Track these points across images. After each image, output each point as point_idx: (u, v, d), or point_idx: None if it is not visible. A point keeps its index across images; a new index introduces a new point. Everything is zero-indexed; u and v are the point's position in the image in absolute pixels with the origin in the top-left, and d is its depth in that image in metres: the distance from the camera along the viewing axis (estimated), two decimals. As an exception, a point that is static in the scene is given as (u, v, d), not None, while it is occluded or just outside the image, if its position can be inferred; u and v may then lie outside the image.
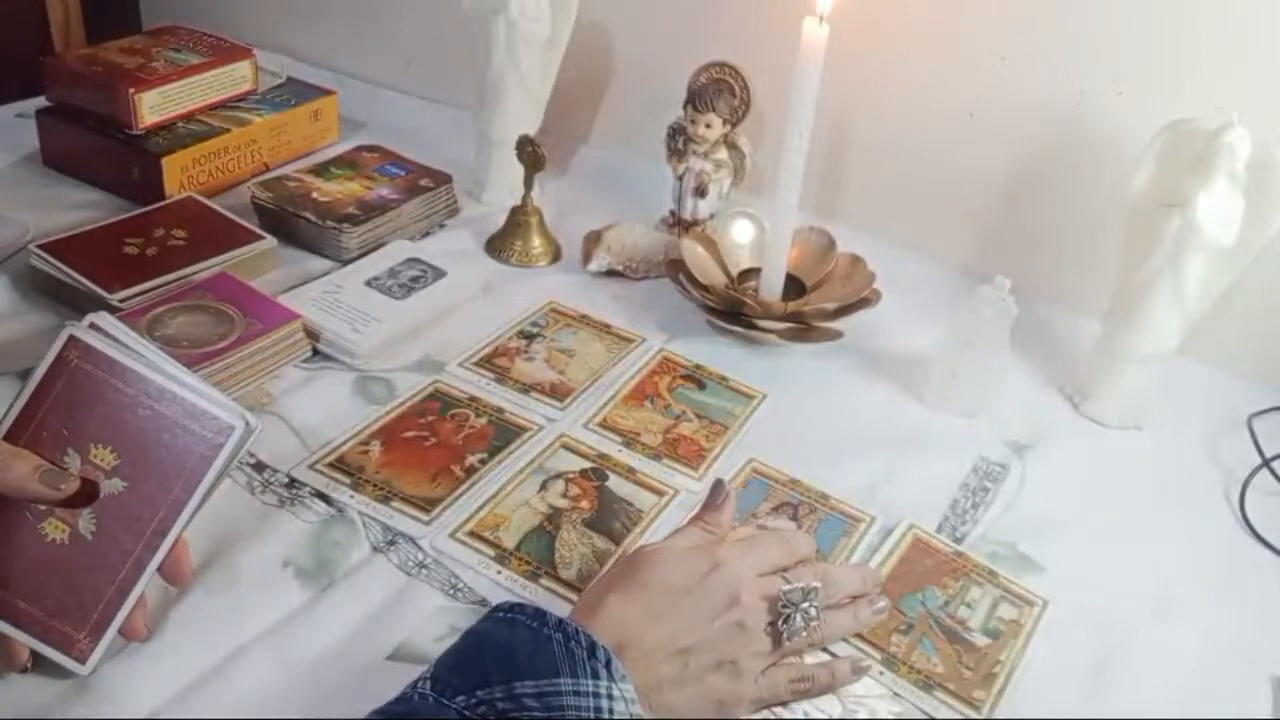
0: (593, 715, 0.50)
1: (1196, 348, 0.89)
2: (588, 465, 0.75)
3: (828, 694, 0.61)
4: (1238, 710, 0.64)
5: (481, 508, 0.71)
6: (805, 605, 0.59)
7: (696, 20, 1.08)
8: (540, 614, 0.53)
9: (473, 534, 0.68)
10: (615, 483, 0.74)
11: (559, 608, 0.63)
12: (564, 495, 0.73)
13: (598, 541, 0.69)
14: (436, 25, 1.22)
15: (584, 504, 0.72)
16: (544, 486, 0.73)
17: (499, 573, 0.66)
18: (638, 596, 0.57)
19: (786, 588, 0.60)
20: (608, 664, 0.52)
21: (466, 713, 0.49)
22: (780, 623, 0.59)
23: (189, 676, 0.57)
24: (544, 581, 0.66)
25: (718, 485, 0.66)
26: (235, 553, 0.65)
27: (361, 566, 0.66)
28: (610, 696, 0.51)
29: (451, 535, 0.68)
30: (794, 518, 0.74)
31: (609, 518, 0.71)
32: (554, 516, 0.71)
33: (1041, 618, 0.68)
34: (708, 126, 0.98)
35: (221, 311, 0.81)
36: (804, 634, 0.59)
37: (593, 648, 0.52)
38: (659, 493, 0.74)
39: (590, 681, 0.51)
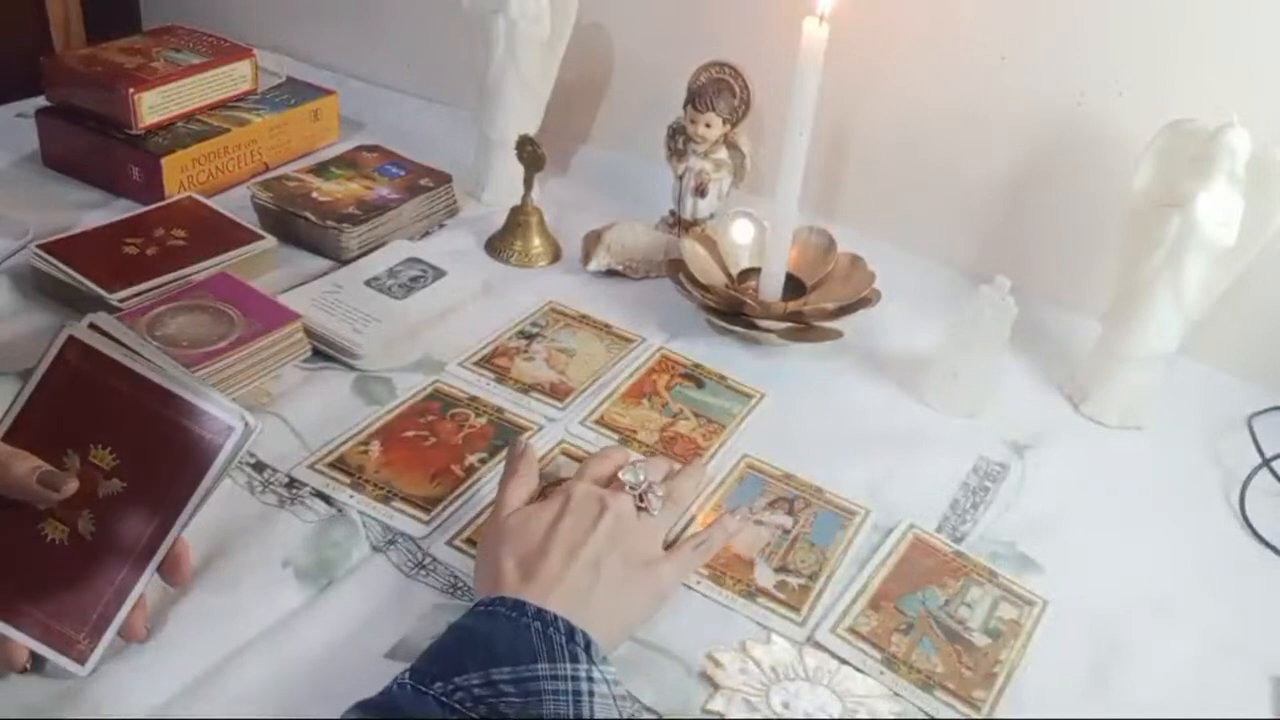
0: (571, 699, 0.50)
1: (1196, 348, 0.89)
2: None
3: (721, 546, 0.69)
4: (1238, 710, 0.64)
5: (480, 514, 0.70)
6: (649, 484, 0.67)
7: (696, 20, 1.08)
8: (519, 604, 0.55)
9: (470, 541, 0.68)
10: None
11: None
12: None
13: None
14: (436, 25, 1.22)
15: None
16: (543, 493, 0.73)
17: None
18: (523, 547, 0.61)
19: (625, 477, 0.67)
20: (587, 647, 0.53)
21: (443, 699, 0.49)
22: (639, 504, 0.66)
23: (189, 676, 0.57)
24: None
25: (512, 443, 0.71)
26: (235, 553, 0.65)
27: (361, 566, 0.66)
28: (590, 679, 0.52)
29: (449, 543, 0.68)
30: (790, 512, 0.74)
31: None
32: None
33: (1041, 618, 0.68)
34: (708, 126, 0.98)
35: (221, 311, 0.81)
36: (665, 504, 0.67)
37: (571, 632, 0.53)
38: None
39: (569, 665, 0.52)
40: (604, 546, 0.61)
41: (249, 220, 0.95)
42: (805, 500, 0.75)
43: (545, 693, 0.50)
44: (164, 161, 0.98)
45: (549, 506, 0.64)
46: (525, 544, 0.61)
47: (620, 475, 0.67)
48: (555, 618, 0.54)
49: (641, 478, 0.67)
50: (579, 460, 0.76)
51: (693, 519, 0.72)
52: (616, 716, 0.52)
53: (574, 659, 0.52)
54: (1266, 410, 0.89)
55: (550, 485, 0.73)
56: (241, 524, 0.67)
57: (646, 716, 0.58)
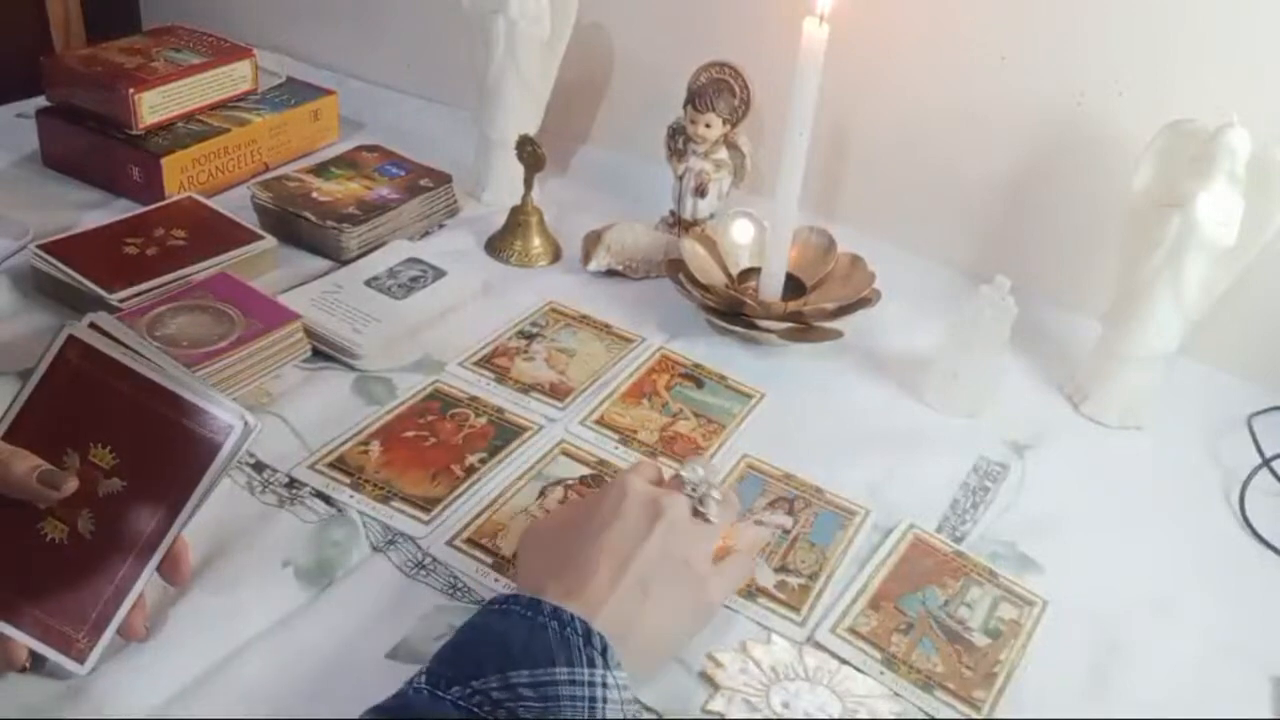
0: (587, 705, 0.50)
1: (1196, 348, 0.89)
2: (587, 472, 0.75)
3: (768, 540, 0.68)
4: (1238, 710, 0.64)
5: (480, 514, 0.70)
6: (708, 481, 0.63)
7: (696, 20, 1.08)
8: (535, 603, 0.53)
9: (471, 541, 0.68)
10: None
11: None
12: (563, 502, 0.73)
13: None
14: (436, 25, 1.22)
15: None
16: (543, 493, 0.73)
17: (497, 580, 0.66)
18: (568, 557, 0.58)
19: (686, 474, 0.63)
20: (604, 651, 0.52)
21: (461, 703, 0.48)
22: (699, 506, 0.62)
23: (188, 676, 0.57)
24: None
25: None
26: (235, 553, 0.65)
27: (361, 566, 0.66)
28: (605, 685, 0.51)
29: (449, 543, 0.68)
30: (790, 512, 0.74)
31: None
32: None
33: (1041, 618, 0.68)
34: (708, 126, 0.98)
35: (221, 311, 0.80)
36: (723, 505, 0.63)
37: (588, 634, 0.52)
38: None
39: (586, 670, 0.50)
40: (655, 561, 0.58)
41: (249, 220, 0.95)
42: (805, 500, 0.75)
43: (563, 697, 0.49)
44: (164, 161, 0.98)
45: (599, 507, 0.61)
46: (570, 554, 0.58)
47: (681, 472, 0.64)
48: (572, 617, 0.52)
49: (701, 474, 0.63)
50: (579, 460, 0.76)
51: None
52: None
53: (591, 663, 0.51)
54: (1266, 410, 0.89)
55: (550, 485, 0.73)
56: (241, 524, 0.67)
57: (646, 716, 0.58)
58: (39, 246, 0.85)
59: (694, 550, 0.60)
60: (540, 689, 0.49)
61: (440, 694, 0.49)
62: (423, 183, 1.03)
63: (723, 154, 1.01)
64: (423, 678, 0.50)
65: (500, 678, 0.49)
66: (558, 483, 0.74)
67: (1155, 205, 0.81)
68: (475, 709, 0.48)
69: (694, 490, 0.63)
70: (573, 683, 0.50)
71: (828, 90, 0.83)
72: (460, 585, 0.65)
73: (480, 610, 0.55)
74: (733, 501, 0.66)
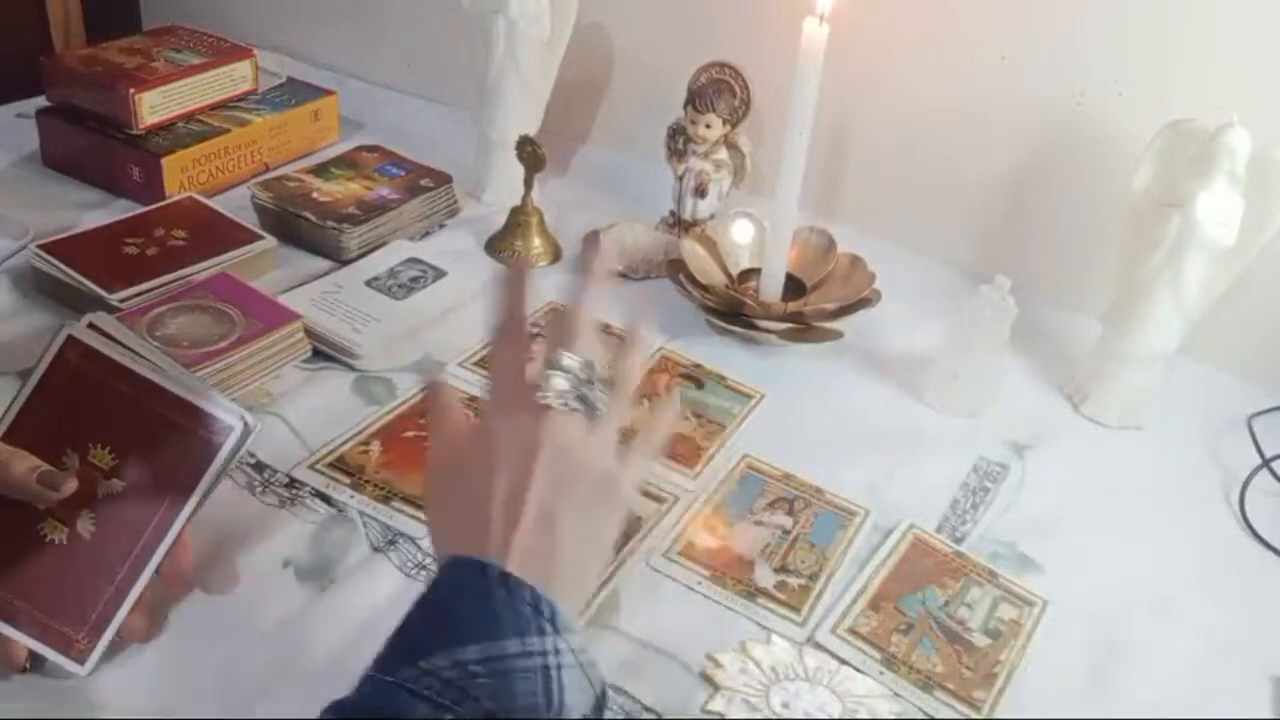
0: (540, 675, 0.47)
1: (1196, 348, 0.89)
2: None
3: (669, 433, 0.59)
4: (1238, 710, 0.64)
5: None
6: (588, 378, 0.54)
7: (696, 20, 1.08)
8: (482, 567, 0.49)
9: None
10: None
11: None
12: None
13: (597, 543, 0.69)
14: (436, 25, 1.22)
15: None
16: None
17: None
18: (464, 517, 0.53)
19: (558, 384, 0.54)
20: (553, 617, 0.49)
21: (409, 686, 0.46)
22: (581, 404, 0.54)
23: (188, 676, 0.57)
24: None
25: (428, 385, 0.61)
26: (235, 553, 0.65)
27: (361, 566, 0.66)
28: (558, 651, 0.48)
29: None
30: (790, 512, 0.74)
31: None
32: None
33: (1041, 618, 0.68)
34: (708, 126, 0.98)
35: (221, 311, 0.80)
36: (612, 392, 0.55)
37: (537, 602, 0.49)
38: (658, 499, 0.74)
39: (537, 639, 0.48)
40: (548, 495, 0.52)
41: (249, 220, 0.95)
42: (805, 500, 0.75)
43: (515, 670, 0.47)
44: (164, 161, 0.98)
45: (474, 453, 0.54)
46: (465, 513, 0.53)
47: (549, 376, 0.54)
48: (519, 584, 0.49)
49: (576, 365, 0.54)
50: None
51: (676, 501, 0.70)
52: (587, 686, 0.49)
53: (540, 631, 0.48)
54: (1266, 410, 0.89)
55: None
56: (241, 524, 0.67)
57: (646, 716, 0.58)
58: (39, 246, 0.85)
59: (591, 458, 0.54)
60: (490, 664, 0.46)
61: (390, 679, 0.46)
62: (423, 183, 1.03)
63: (723, 154, 1.01)
64: (374, 666, 0.48)
65: (448, 655, 0.46)
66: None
67: (1155, 205, 0.81)
68: (426, 692, 0.46)
69: (569, 390, 0.54)
70: (525, 654, 0.47)
71: (828, 90, 0.83)
72: (460, 585, 0.65)
73: (429, 582, 0.51)
74: (627, 381, 0.58)
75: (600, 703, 0.50)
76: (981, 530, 0.75)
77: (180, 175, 1.00)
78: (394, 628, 0.50)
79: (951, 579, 0.70)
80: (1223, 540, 0.78)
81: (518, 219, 1.00)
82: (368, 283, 0.90)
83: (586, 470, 0.54)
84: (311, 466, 0.72)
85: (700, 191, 1.01)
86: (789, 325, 0.89)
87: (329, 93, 1.16)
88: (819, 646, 0.64)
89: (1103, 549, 0.74)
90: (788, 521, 0.73)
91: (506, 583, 0.49)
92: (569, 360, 0.54)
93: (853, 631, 0.65)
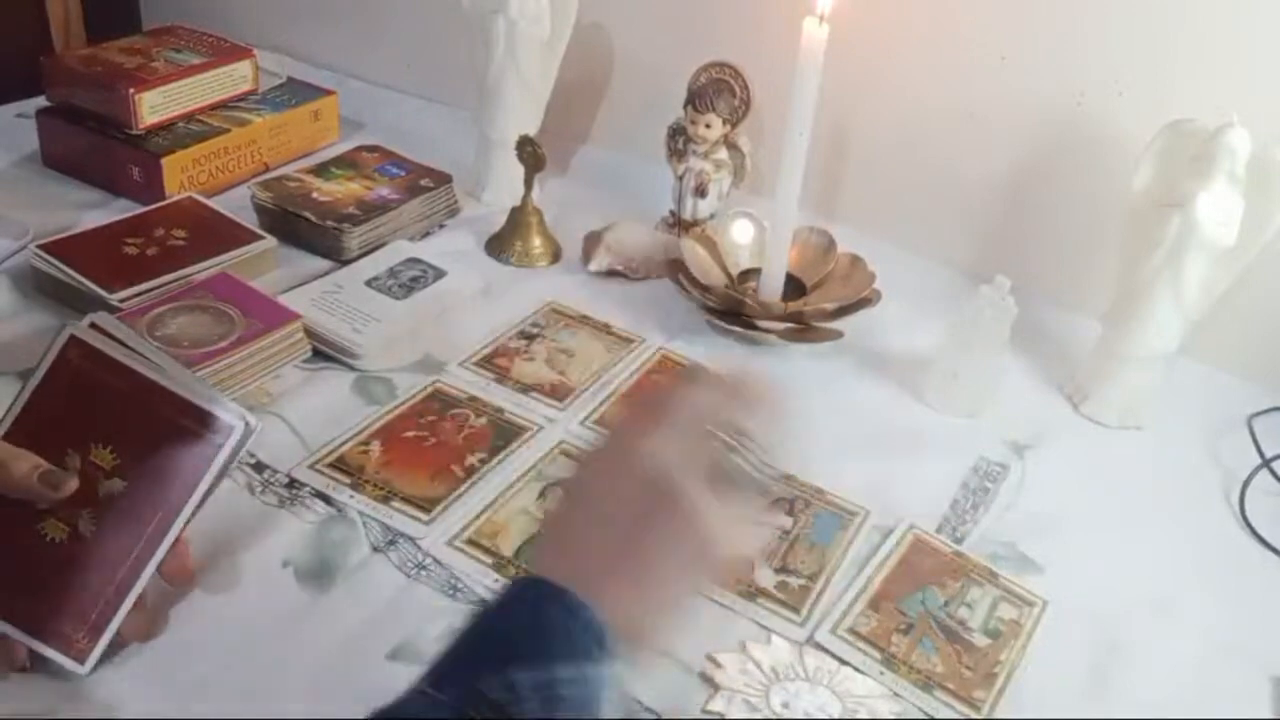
0: (582, 703, 0.49)
1: (1196, 348, 0.89)
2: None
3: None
4: (1238, 710, 0.64)
5: (479, 515, 0.70)
6: (744, 453, 0.53)
7: (696, 20, 1.08)
8: (540, 591, 0.49)
9: (471, 542, 0.68)
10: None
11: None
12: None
13: (597, 543, 0.69)
14: (436, 25, 1.22)
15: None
16: (543, 494, 0.73)
17: (497, 581, 0.66)
18: (590, 557, 0.51)
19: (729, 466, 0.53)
20: (602, 641, 0.48)
21: (457, 704, 0.48)
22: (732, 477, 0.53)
23: (188, 676, 0.57)
24: (543, 584, 0.66)
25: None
26: (235, 553, 0.65)
27: (361, 566, 0.66)
28: (602, 681, 0.48)
29: (449, 543, 0.68)
30: (790, 512, 0.74)
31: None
32: (553, 520, 0.71)
33: (1041, 618, 0.68)
34: (708, 126, 0.98)
35: (221, 311, 0.80)
36: (764, 460, 0.53)
37: (587, 625, 0.48)
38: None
39: (590, 666, 0.48)
40: (685, 565, 0.51)
41: (249, 220, 0.95)
42: (805, 500, 0.75)
43: (562, 699, 0.49)
44: (164, 161, 0.98)
45: (638, 497, 0.52)
46: (591, 554, 0.52)
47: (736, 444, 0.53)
48: (578, 605, 0.48)
49: (755, 453, 0.53)
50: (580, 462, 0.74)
51: None
52: (621, 710, 0.51)
53: (589, 656, 0.48)
54: (1266, 410, 0.89)
55: (550, 485, 0.73)
56: (241, 524, 0.67)
57: (647, 716, 0.59)
58: (39, 246, 0.85)
59: (716, 541, 0.52)
60: (540, 690, 0.48)
61: (438, 695, 0.48)
62: (423, 183, 1.03)
63: (723, 154, 1.01)
64: (426, 680, 0.49)
65: (502, 678, 0.48)
66: (557, 483, 0.74)
67: (1155, 205, 0.81)
68: (472, 713, 0.48)
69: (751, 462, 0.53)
70: (573, 681, 0.49)
71: (828, 90, 0.83)
72: (460, 586, 0.65)
73: (492, 601, 0.50)
74: (772, 459, 0.55)
75: None
76: (981, 530, 0.75)
77: (180, 175, 1.00)
78: (448, 642, 0.49)
79: (951, 579, 0.70)
80: (1223, 540, 0.78)
81: (518, 219, 1.00)
82: (368, 283, 0.90)
83: (713, 549, 0.52)
84: (311, 466, 0.72)
85: (700, 191, 1.01)
86: (789, 325, 0.89)
87: (329, 93, 1.16)
88: (819, 647, 0.64)
89: (1103, 549, 0.74)
90: (787, 521, 0.73)
91: (563, 599, 0.48)
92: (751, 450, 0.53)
93: (853, 632, 0.65)
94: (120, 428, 0.57)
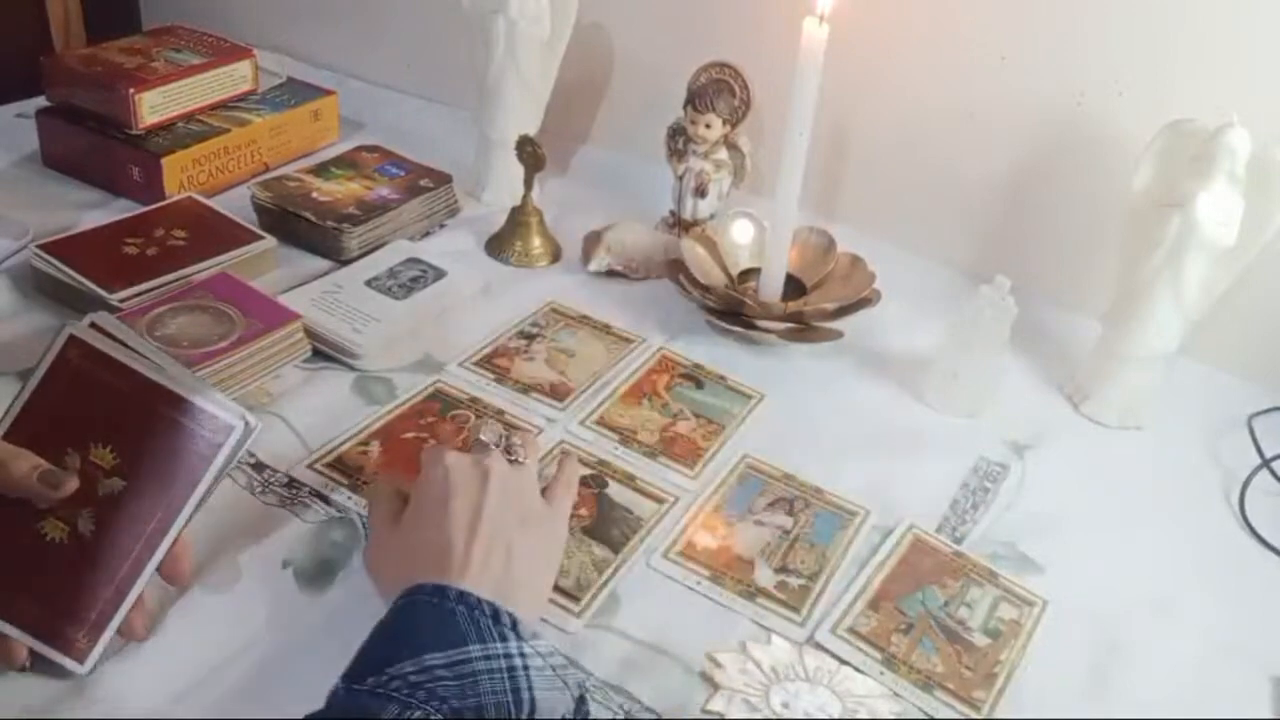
0: (507, 675, 0.50)
1: (1196, 348, 0.89)
2: (587, 472, 0.75)
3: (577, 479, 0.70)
4: (1238, 710, 0.64)
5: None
6: (503, 433, 0.66)
7: (696, 20, 1.08)
8: (440, 589, 0.54)
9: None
10: (615, 490, 0.74)
11: (559, 616, 0.63)
12: None
13: (596, 549, 0.69)
14: (436, 25, 1.22)
15: (582, 511, 0.72)
16: (542, 493, 0.73)
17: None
18: (425, 545, 0.59)
19: (484, 436, 0.66)
20: (514, 626, 0.52)
21: (378, 691, 0.48)
22: (508, 455, 0.65)
23: (188, 676, 0.57)
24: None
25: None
26: (235, 553, 0.65)
27: (361, 567, 0.66)
28: (523, 654, 0.51)
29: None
30: (790, 512, 0.74)
31: (608, 525, 0.71)
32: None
33: (1041, 618, 0.68)
34: (708, 126, 0.98)
35: (221, 311, 0.81)
36: (526, 446, 0.66)
37: (496, 613, 0.53)
38: (659, 500, 0.74)
39: (499, 644, 0.51)
40: (501, 516, 0.60)
41: (249, 220, 0.95)
42: (805, 501, 0.75)
43: (480, 673, 0.50)
44: (164, 161, 0.98)
45: (427, 492, 0.61)
46: (422, 543, 0.59)
47: (480, 436, 0.66)
48: (479, 600, 0.53)
49: (497, 430, 0.67)
50: (579, 460, 0.76)
51: (676, 501, 0.72)
52: (562, 687, 0.52)
53: (503, 638, 0.52)
54: (1266, 410, 0.89)
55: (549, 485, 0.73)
56: (242, 524, 0.67)
57: (646, 716, 0.59)
58: (39, 246, 0.85)
59: (527, 493, 0.64)
60: (455, 667, 0.50)
61: (356, 688, 0.49)
62: (423, 183, 1.03)
63: (723, 154, 1.01)
64: (340, 680, 0.50)
65: (415, 661, 0.49)
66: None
67: (1155, 205, 0.81)
68: (394, 694, 0.48)
69: (497, 444, 0.65)
70: (487, 657, 0.50)
71: (828, 90, 0.83)
72: (460, 585, 0.65)
73: (389, 610, 0.55)
74: (532, 441, 0.68)
75: (581, 704, 0.52)
76: (981, 530, 0.75)
77: (180, 175, 1.00)
78: (358, 648, 0.52)
79: (951, 579, 0.70)
80: (1223, 540, 0.78)
81: (518, 219, 1.00)
82: (368, 283, 0.90)
83: (527, 500, 0.63)
84: (311, 466, 0.72)
85: (700, 191, 1.01)
86: (789, 325, 0.89)
87: (329, 93, 1.16)
88: (819, 646, 0.64)
89: (1103, 549, 0.74)
90: (788, 521, 0.73)
91: (465, 599, 0.53)
92: (491, 427, 0.67)
93: (853, 631, 0.65)
94: (120, 427, 0.57)
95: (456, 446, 0.67)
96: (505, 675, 0.50)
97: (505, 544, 0.59)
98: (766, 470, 0.77)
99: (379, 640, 0.53)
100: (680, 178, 1.02)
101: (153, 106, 1.01)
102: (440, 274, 0.93)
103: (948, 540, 0.73)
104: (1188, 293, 0.81)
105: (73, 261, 0.84)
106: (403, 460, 0.74)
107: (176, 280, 0.85)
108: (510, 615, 0.53)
